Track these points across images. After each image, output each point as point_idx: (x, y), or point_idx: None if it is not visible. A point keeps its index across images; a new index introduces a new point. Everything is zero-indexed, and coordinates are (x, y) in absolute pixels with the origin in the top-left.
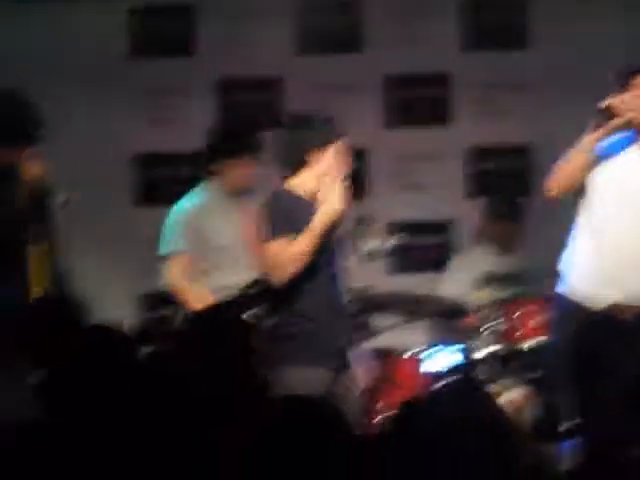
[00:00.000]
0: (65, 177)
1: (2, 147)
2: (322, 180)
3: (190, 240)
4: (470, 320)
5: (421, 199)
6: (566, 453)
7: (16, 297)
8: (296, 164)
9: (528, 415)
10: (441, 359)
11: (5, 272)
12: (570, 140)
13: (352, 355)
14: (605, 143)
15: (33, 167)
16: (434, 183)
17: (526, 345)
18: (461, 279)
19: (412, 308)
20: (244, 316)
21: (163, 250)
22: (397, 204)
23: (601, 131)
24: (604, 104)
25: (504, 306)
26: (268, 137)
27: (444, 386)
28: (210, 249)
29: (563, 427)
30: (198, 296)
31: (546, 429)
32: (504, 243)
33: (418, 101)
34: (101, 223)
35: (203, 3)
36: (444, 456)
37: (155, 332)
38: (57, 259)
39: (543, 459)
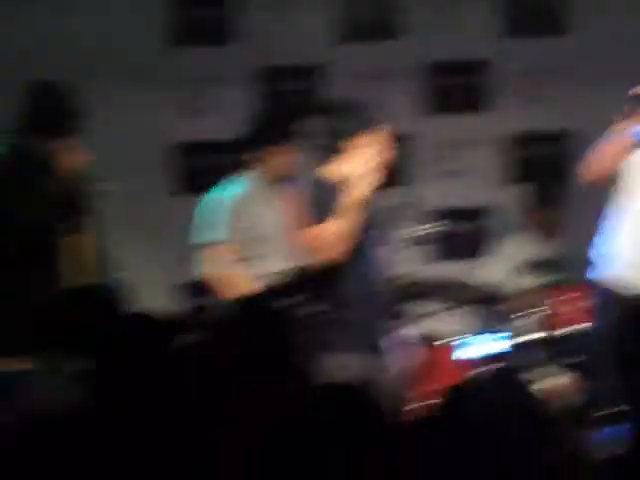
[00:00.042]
0: (106, 167)
1: (40, 138)
2: (357, 166)
3: (233, 229)
4: (512, 306)
5: (457, 186)
6: (610, 439)
7: (48, 285)
8: (336, 151)
9: (571, 401)
10: (483, 346)
11: (40, 261)
12: (606, 126)
13: (392, 341)
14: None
15: (72, 158)
16: (470, 170)
17: (568, 331)
18: (503, 266)
19: (454, 295)
20: (284, 304)
21: (201, 238)
22: (434, 191)
23: (636, 117)
24: (638, 90)
25: (546, 292)
26: (309, 125)
27: (487, 372)
28: (253, 238)
29: (607, 413)
30: (240, 285)
31: (590, 415)
32: (546, 229)
33: (455, 88)
34: (143, 212)
35: None
36: (489, 440)
37: (194, 321)
38: (101, 248)
39: (585, 445)
